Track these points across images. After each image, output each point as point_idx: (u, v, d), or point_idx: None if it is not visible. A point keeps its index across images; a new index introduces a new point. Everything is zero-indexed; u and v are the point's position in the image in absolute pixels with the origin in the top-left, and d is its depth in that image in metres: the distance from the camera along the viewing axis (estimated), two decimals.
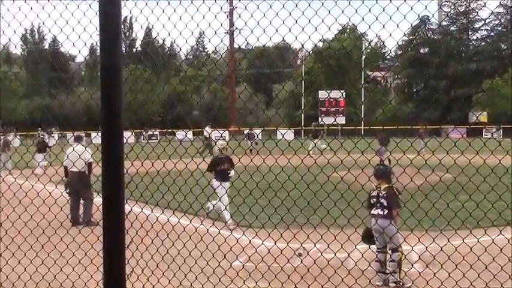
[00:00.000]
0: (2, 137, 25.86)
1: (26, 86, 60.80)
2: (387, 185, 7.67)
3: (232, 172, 12.05)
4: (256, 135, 32.06)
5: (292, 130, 40.77)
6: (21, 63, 56.63)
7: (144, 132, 50.01)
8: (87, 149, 12.52)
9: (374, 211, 7.59)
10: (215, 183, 11.56)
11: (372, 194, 7.68)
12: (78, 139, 13.12)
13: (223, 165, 12.08)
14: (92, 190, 12.30)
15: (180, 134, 35.92)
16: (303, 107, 57.27)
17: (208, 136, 32.25)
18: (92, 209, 12.20)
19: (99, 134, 2.40)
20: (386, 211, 7.51)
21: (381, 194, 7.61)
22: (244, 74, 56.35)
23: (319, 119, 52.44)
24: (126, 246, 2.36)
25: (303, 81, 51.27)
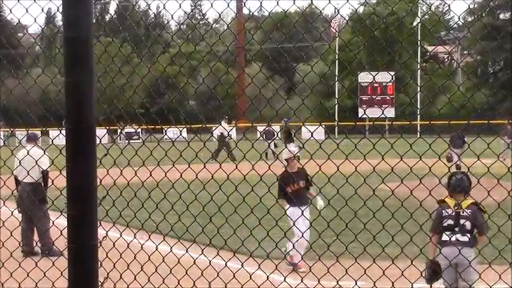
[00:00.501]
0: None
1: None
2: (471, 201, 7.54)
3: (313, 193, 11.76)
4: (275, 134, 31.88)
5: (323, 126, 40.68)
6: None
7: (122, 130, 50.24)
8: (45, 152, 12.58)
9: (447, 237, 7.44)
10: (290, 210, 10.93)
11: (446, 214, 7.56)
12: (32, 139, 13.17)
13: (297, 184, 11.71)
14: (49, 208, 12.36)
15: (171, 132, 36.07)
16: (337, 95, 57.10)
17: (221, 134, 32.46)
18: (50, 233, 12.24)
19: (63, 131, 2.41)
20: (469, 237, 7.40)
21: (462, 214, 7.49)
22: (258, 51, 56.33)
23: (361, 111, 52.29)
24: (99, 283, 2.37)
25: (337, 60, 51.12)
